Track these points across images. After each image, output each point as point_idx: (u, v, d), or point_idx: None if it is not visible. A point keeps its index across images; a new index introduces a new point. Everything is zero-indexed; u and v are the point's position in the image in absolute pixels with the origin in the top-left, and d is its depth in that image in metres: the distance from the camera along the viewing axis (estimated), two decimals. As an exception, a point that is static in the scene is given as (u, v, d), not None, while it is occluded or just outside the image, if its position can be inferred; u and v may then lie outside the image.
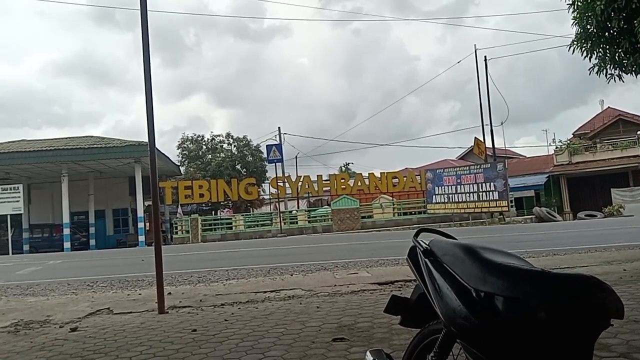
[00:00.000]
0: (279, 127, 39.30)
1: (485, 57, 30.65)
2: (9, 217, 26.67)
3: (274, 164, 30.78)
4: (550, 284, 1.38)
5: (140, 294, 7.63)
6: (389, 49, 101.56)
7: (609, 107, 39.97)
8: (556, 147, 37.29)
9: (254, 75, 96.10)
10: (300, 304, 6.04)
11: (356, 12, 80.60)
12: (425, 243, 1.93)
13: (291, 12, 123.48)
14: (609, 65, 7.61)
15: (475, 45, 30.26)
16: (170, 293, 7.18)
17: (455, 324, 1.56)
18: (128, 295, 7.67)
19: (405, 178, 30.74)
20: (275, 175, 31.09)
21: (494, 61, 53.55)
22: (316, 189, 31.13)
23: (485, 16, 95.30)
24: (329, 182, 31.44)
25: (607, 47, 7.50)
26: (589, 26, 7.44)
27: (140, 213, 28.92)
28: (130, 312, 6.18)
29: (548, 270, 1.41)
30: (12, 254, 25.69)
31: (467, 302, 1.53)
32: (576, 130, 40.33)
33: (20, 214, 28.48)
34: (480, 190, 25.92)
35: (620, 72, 7.65)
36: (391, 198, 31.44)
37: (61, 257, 19.77)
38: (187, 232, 28.55)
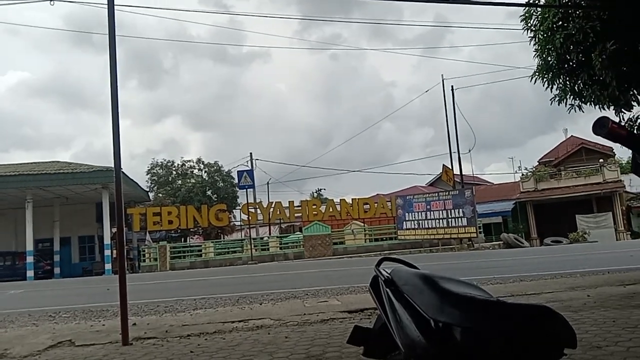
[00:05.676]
0: (250, 153, 39.22)
1: (452, 86, 31.46)
2: (-32, 245, 25.74)
3: (245, 190, 30.63)
4: (505, 313, 1.40)
5: (104, 325, 7.40)
6: (366, 75, 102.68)
7: (572, 135, 41.25)
8: (522, 174, 38.18)
9: (231, 99, 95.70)
10: (269, 334, 5.95)
11: (334, 38, 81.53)
12: (387, 272, 1.94)
13: (270, 38, 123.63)
14: (569, 96, 7.90)
15: (442, 75, 31.05)
16: (135, 324, 6.97)
17: (415, 354, 1.56)
18: (91, 326, 7.43)
19: (376, 204, 30.93)
20: (246, 202, 30.90)
21: (468, 89, 55.28)
22: (288, 215, 31.03)
23: (460, 46, 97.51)
24: (300, 208, 31.39)
25: (567, 78, 7.79)
26: (549, 58, 7.74)
27: (107, 240, 28.27)
28: (93, 344, 5.98)
29: (503, 300, 1.44)
30: (-29, 283, 24.71)
31: (426, 332, 1.54)
32: (541, 158, 41.41)
33: (-19, 242, 27.53)
34: (449, 216, 26.27)
35: (580, 103, 7.95)
36: (363, 224, 31.55)
37: (23, 286, 19.11)
38: (155, 259, 27.98)
